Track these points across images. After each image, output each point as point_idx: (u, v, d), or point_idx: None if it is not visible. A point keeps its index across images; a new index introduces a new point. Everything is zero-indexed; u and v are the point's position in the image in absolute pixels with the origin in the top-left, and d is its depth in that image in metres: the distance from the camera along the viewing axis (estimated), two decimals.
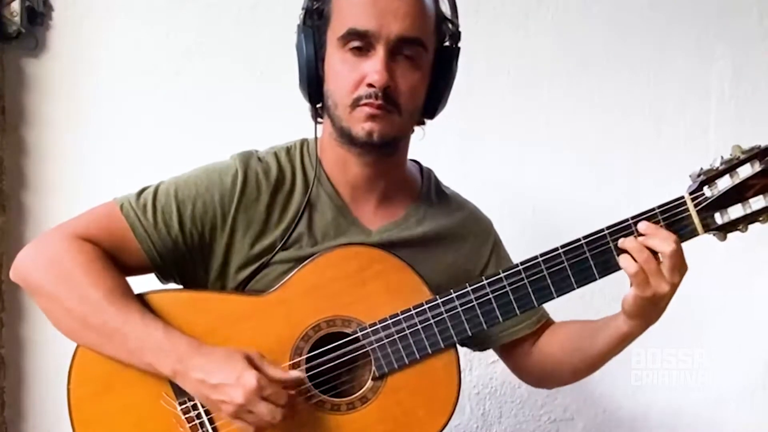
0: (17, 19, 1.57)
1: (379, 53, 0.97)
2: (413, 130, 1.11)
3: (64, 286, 0.98)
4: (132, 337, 0.96)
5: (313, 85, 1.04)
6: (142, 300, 1.00)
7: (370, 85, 0.97)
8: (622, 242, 0.95)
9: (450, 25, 1.06)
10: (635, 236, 0.95)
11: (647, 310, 0.97)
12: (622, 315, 0.99)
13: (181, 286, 1.09)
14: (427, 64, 1.03)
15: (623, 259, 0.94)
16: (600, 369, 1.11)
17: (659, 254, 0.93)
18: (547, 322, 1.19)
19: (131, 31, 1.68)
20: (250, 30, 1.71)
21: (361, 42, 0.97)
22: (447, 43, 1.07)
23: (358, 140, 1.01)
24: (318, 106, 1.08)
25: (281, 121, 1.62)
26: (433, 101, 1.07)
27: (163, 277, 1.08)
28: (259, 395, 0.91)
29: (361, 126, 1.00)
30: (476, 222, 1.20)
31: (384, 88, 0.97)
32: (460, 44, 1.07)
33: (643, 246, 0.93)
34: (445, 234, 1.14)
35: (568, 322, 1.17)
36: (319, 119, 1.10)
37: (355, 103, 0.99)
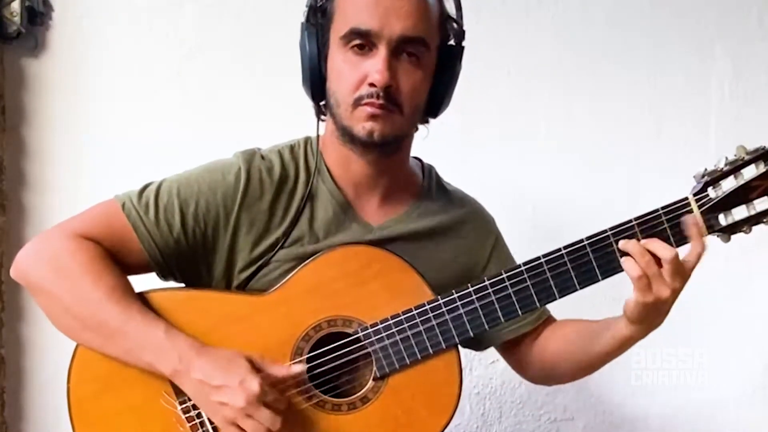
0: (17, 19, 1.56)
1: (381, 53, 0.96)
2: (417, 129, 1.10)
3: (63, 284, 0.97)
4: (132, 336, 0.95)
5: (316, 83, 1.04)
6: (142, 299, 1.00)
7: (372, 85, 0.97)
8: (624, 244, 0.94)
9: (454, 24, 1.06)
10: (638, 239, 0.95)
11: (649, 315, 0.96)
12: (624, 319, 0.99)
13: (181, 284, 1.09)
14: (429, 63, 1.02)
15: (626, 262, 0.94)
16: (600, 369, 1.10)
17: (661, 259, 0.92)
18: (548, 319, 1.19)
19: (131, 31, 1.68)
20: (251, 30, 1.71)
21: (363, 41, 0.97)
22: (451, 42, 1.07)
23: (358, 139, 1.01)
24: (321, 103, 1.08)
25: (282, 120, 1.62)
26: (435, 100, 1.07)
27: (164, 276, 1.07)
28: (261, 401, 0.91)
29: (362, 125, 0.99)
30: (478, 217, 1.19)
31: (385, 88, 0.97)
32: (464, 43, 1.07)
33: (644, 249, 0.93)
34: (445, 228, 1.13)
35: (570, 321, 1.17)
36: (322, 116, 1.09)
37: (357, 103, 0.99)
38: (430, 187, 1.17)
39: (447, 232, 1.14)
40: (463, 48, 1.07)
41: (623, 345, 1.02)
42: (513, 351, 1.20)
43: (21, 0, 1.56)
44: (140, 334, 0.95)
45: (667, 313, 0.97)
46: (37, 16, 1.62)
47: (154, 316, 0.98)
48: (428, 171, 1.19)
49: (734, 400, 1.81)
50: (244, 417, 0.91)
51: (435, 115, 1.10)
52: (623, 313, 0.98)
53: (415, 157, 1.20)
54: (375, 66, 0.96)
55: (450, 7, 1.06)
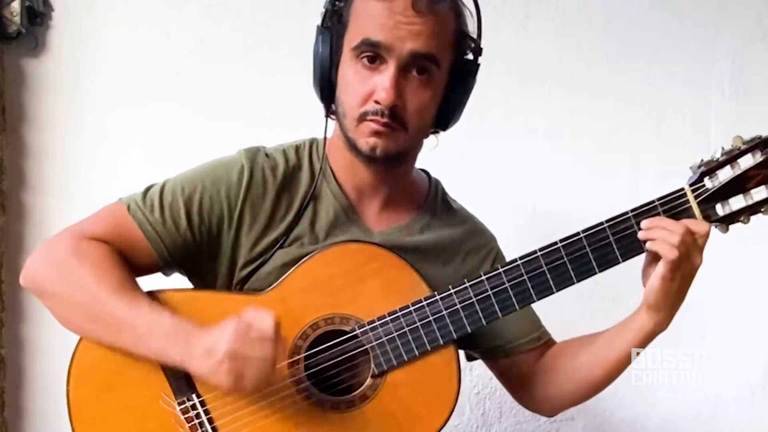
0: (17, 19, 1.57)
1: (390, 69, 0.96)
2: (427, 136, 1.10)
3: (71, 282, 0.98)
4: (140, 324, 0.95)
5: (326, 88, 1.04)
6: None
7: (378, 102, 0.96)
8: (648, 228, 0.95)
9: (471, 42, 1.04)
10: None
11: (673, 295, 0.94)
12: (645, 313, 0.97)
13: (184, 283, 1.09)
14: (439, 80, 1.01)
15: (653, 238, 0.93)
16: (612, 382, 1.08)
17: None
18: (550, 341, 1.18)
19: (131, 31, 1.69)
20: (251, 30, 1.71)
21: (373, 53, 0.96)
22: (469, 56, 1.05)
23: (362, 153, 1.01)
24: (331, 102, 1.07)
25: (282, 120, 1.63)
26: (446, 115, 1.06)
27: (169, 273, 1.08)
28: (246, 334, 0.90)
29: (365, 140, 0.99)
30: (479, 236, 1.18)
31: (391, 107, 0.96)
32: (480, 60, 1.05)
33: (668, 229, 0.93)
34: (447, 247, 1.13)
35: (575, 339, 1.15)
36: (331, 116, 1.08)
37: (362, 118, 0.98)
38: (434, 202, 1.16)
39: (448, 250, 1.13)
40: (478, 65, 1.06)
41: (644, 342, 1.00)
42: (516, 375, 1.18)
43: (21, 0, 1.56)
44: (148, 322, 0.95)
45: (686, 293, 0.96)
46: (37, 16, 1.62)
47: (161, 306, 0.97)
48: (434, 185, 1.19)
49: (734, 400, 1.81)
50: (240, 363, 0.89)
51: (444, 128, 1.09)
52: (644, 304, 0.97)
53: (423, 170, 1.20)
54: (382, 83, 0.96)
55: (469, 23, 1.04)
